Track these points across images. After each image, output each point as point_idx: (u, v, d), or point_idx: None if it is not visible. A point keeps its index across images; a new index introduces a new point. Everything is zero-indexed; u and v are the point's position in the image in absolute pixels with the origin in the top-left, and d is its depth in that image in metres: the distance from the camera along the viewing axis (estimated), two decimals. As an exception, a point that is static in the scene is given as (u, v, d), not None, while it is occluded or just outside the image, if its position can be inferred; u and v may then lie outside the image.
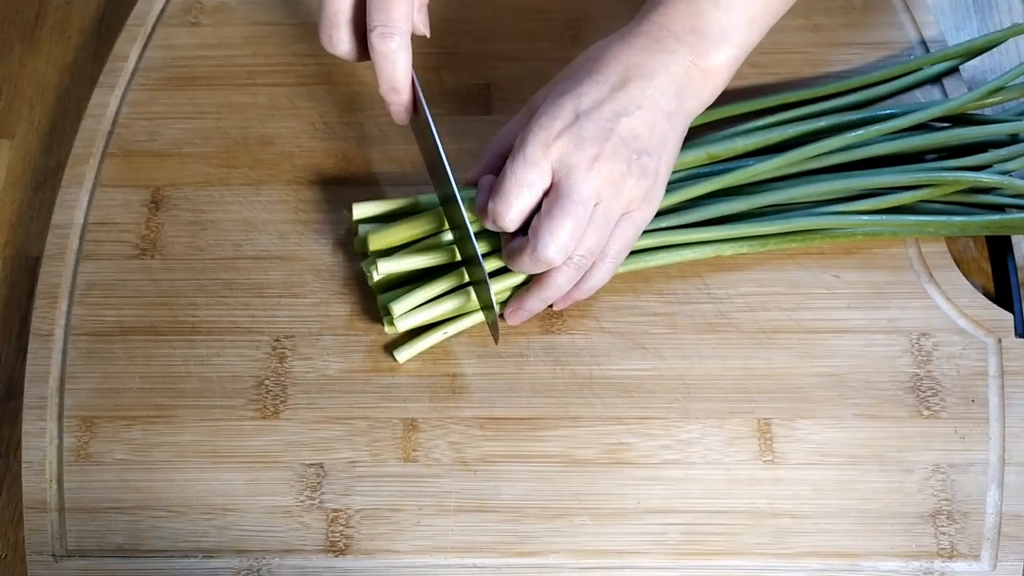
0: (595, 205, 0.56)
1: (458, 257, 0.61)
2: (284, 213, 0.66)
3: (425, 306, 0.61)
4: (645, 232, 0.62)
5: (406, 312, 0.60)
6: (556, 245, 0.55)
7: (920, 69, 0.68)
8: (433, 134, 0.58)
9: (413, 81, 0.58)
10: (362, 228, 0.62)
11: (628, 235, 0.59)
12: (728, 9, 0.57)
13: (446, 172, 0.58)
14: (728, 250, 0.63)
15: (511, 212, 0.56)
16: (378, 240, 0.61)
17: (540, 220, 0.56)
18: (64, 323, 0.63)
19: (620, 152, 0.56)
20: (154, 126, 0.69)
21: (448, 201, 0.60)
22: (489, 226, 0.58)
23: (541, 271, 0.58)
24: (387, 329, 0.61)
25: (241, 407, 0.61)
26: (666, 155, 0.58)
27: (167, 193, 0.67)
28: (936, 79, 0.68)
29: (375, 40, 0.55)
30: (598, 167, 0.55)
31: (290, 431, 0.61)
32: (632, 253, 0.62)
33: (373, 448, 0.60)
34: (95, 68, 0.72)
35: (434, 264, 0.61)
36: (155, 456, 0.60)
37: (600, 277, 0.60)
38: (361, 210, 0.62)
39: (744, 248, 0.63)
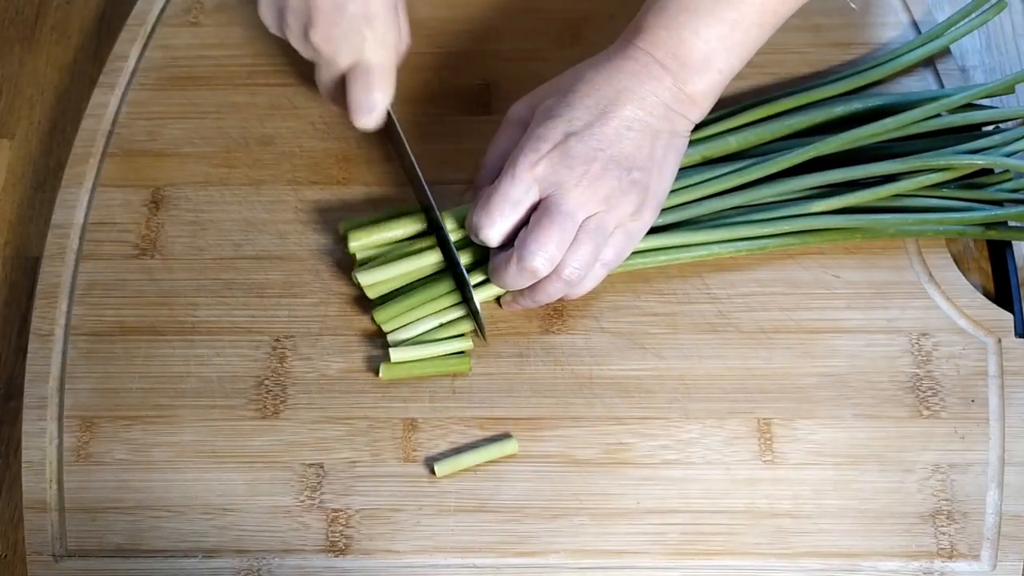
0: (587, 219, 0.57)
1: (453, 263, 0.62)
2: (284, 213, 0.66)
3: (413, 315, 0.61)
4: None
5: (391, 318, 0.61)
6: (543, 255, 0.56)
7: (909, 52, 0.68)
8: (413, 162, 0.61)
9: (394, 122, 0.62)
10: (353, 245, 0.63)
11: (622, 243, 0.59)
12: (707, 37, 0.58)
13: (425, 192, 0.61)
14: (727, 251, 0.63)
15: (494, 226, 0.57)
16: (359, 240, 0.62)
17: (527, 232, 0.57)
18: (64, 323, 0.63)
19: (610, 169, 0.56)
20: (154, 126, 0.69)
21: (437, 225, 0.61)
22: (475, 239, 0.59)
23: (527, 284, 0.58)
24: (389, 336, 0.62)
25: (241, 407, 0.61)
26: (656, 170, 0.58)
27: (167, 193, 0.67)
28: (928, 61, 0.69)
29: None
30: (587, 182, 0.56)
31: (290, 431, 0.61)
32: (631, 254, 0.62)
33: (373, 448, 0.60)
34: (95, 68, 0.72)
35: (420, 273, 0.62)
36: (155, 456, 0.60)
37: (590, 282, 0.60)
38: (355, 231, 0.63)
39: (743, 250, 0.63)
